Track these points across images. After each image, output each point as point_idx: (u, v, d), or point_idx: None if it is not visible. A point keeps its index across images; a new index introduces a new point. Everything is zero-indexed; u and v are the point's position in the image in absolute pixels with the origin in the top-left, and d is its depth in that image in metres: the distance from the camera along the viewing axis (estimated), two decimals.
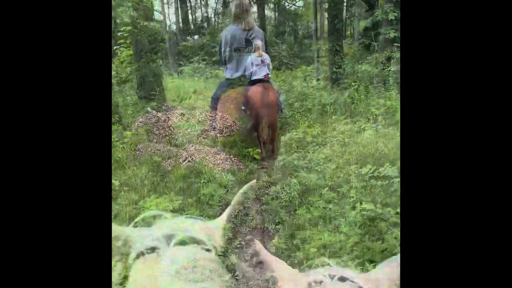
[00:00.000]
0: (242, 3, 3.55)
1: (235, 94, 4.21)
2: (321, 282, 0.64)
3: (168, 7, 20.85)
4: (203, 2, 31.65)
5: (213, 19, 27.06)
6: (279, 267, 0.73)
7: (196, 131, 4.87)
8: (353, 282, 0.66)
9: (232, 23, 3.56)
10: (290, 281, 0.68)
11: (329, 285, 0.63)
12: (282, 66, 16.19)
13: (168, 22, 23.01)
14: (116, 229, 0.75)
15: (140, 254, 0.66)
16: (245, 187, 0.95)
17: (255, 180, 1.56)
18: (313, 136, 4.72)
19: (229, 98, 4.16)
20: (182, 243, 0.64)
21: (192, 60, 14.83)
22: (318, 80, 9.78)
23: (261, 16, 6.55)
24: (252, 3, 4.81)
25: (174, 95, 8.91)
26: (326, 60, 6.80)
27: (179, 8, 20.66)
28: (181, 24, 25.34)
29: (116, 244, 0.73)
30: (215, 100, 4.34)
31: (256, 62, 4.50)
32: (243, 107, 4.63)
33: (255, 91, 4.29)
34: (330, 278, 0.65)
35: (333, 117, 5.61)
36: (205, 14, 31.19)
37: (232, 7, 3.64)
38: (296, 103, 6.57)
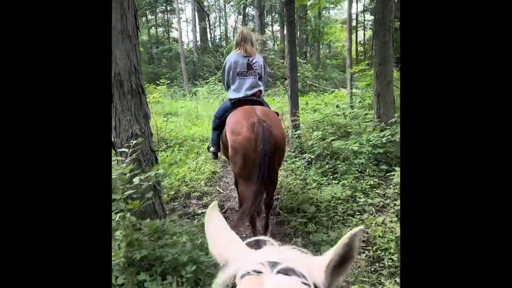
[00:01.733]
0: (242, 32, 3.54)
1: (244, 112, 3.05)
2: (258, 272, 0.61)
3: (187, 24, 19.79)
4: (222, 21, 30.98)
5: (231, 38, 25.96)
6: None
7: None
8: (300, 276, 0.62)
9: (234, 50, 3.57)
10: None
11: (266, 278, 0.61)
12: (305, 87, 14.70)
13: (186, 40, 22.30)
14: (232, 240, 0.72)
15: (246, 274, 0.63)
16: (355, 231, 0.71)
17: (363, 227, 0.77)
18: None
19: (238, 115, 3.04)
20: (285, 272, 0.62)
21: (208, 80, 13.45)
22: (352, 107, 8.13)
23: (291, 33, 5.66)
24: (255, 32, 4.59)
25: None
26: (373, 84, 5.24)
27: (196, 25, 19.54)
28: (198, 42, 24.45)
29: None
30: (217, 119, 3.66)
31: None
32: (211, 148, 3.77)
33: (238, 125, 2.90)
34: (270, 267, 0.62)
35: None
36: (223, 32, 30.47)
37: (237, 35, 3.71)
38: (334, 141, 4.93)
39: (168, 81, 10.33)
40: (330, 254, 0.68)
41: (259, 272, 0.62)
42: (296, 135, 5.56)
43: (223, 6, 29.69)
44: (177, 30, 16.62)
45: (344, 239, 0.67)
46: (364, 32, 23.63)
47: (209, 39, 25.97)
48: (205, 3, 26.89)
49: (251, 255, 0.68)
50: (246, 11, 25.29)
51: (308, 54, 17.72)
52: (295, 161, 5.11)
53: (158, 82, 9.82)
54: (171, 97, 14.53)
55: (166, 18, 25.26)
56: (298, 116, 5.70)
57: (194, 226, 3.05)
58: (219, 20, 29.95)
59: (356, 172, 4.14)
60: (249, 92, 3.41)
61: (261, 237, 0.75)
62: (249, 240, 0.78)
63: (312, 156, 4.57)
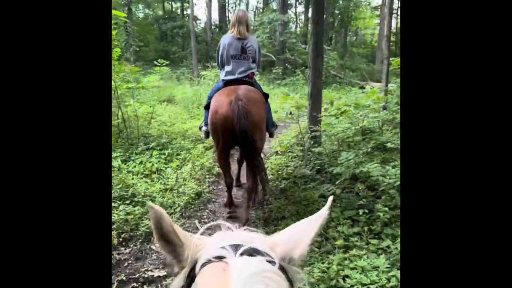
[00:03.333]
0: (237, 14, 3.44)
1: (228, 91, 3.10)
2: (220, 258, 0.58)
3: (205, 1, 17.98)
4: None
5: (252, 17, 24.11)
6: None
7: None
8: (265, 256, 0.60)
9: (229, 31, 3.46)
10: None
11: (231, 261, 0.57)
12: (328, 78, 12.97)
13: (204, 18, 20.39)
14: (184, 235, 0.66)
15: (207, 262, 0.60)
16: (327, 207, 0.74)
17: (332, 197, 0.79)
18: None
19: (221, 94, 3.10)
20: (249, 253, 0.60)
21: (214, 63, 11.87)
22: (384, 109, 6.50)
23: (318, 9, 4.37)
24: (248, 13, 3.62)
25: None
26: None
27: (213, 1, 17.82)
28: (216, 21, 22.74)
29: (185, 250, 0.65)
30: (209, 98, 3.46)
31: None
32: (203, 127, 3.71)
33: (220, 103, 3.03)
34: (232, 251, 0.60)
35: None
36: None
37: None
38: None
39: (168, 62, 8.77)
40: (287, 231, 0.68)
41: (221, 258, 0.59)
42: (314, 153, 4.00)
43: None
44: (189, 4, 14.92)
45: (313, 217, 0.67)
46: (397, 20, 21.41)
47: (227, 18, 24.22)
48: None
49: (209, 242, 0.65)
50: None
51: (333, 41, 15.86)
52: (312, 191, 3.60)
53: (156, 63, 8.35)
54: (177, 79, 13.06)
55: None
56: (320, 126, 4.12)
57: None
58: None
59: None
60: (242, 75, 3.39)
61: (216, 222, 0.72)
62: (203, 228, 0.71)
63: (338, 192, 3.02)
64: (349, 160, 3.06)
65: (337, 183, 3.04)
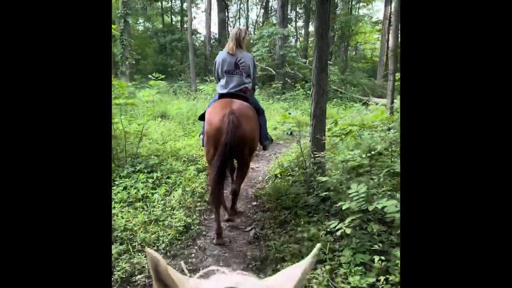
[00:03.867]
0: (232, 31, 3.71)
1: (223, 103, 3.30)
2: None
3: (206, 15, 17.70)
4: (244, 13, 28.99)
5: (252, 32, 23.95)
6: None
7: None
8: None
9: (225, 48, 3.69)
10: None
11: None
12: (329, 93, 12.60)
13: (204, 32, 20.08)
14: (180, 279, 0.67)
15: None
16: (312, 255, 0.77)
17: (319, 244, 0.83)
18: None
19: (216, 106, 3.32)
20: None
21: (212, 77, 11.53)
22: (389, 130, 6.10)
23: (322, 22, 4.04)
24: (246, 32, 3.71)
25: None
26: None
27: (212, 15, 17.63)
28: (216, 35, 22.57)
29: None
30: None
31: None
32: (201, 135, 3.85)
33: (212, 115, 3.24)
34: None
35: None
36: (244, 26, 28.43)
37: None
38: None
39: (164, 75, 8.39)
40: (284, 278, 0.70)
41: None
42: (318, 182, 3.57)
43: None
44: (186, 16, 14.67)
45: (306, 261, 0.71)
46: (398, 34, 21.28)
47: (227, 32, 24.07)
48: None
49: (205, 285, 0.69)
50: (269, 4, 23.31)
51: (333, 55, 15.58)
52: (317, 226, 3.15)
53: (151, 76, 7.97)
54: (174, 93, 12.71)
55: (180, 4, 23.36)
56: (324, 152, 3.69)
57: None
58: (239, 13, 27.96)
59: None
60: (235, 89, 3.56)
61: (211, 268, 0.75)
62: (199, 273, 0.75)
63: (347, 230, 2.58)
64: (360, 194, 2.63)
65: (347, 222, 2.60)
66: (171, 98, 11.25)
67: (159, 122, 7.73)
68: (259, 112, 3.60)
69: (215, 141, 3.09)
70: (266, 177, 5.12)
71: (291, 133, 7.04)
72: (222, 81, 3.61)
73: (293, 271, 0.69)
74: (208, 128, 3.20)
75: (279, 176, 4.89)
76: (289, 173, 4.87)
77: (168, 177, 4.48)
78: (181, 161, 5.19)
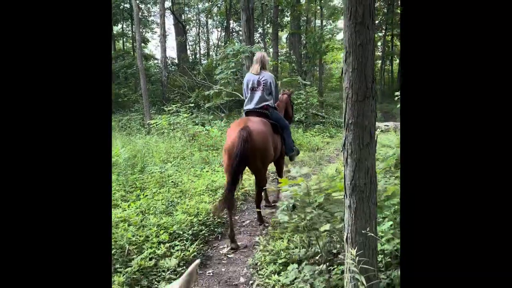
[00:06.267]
0: (255, 56, 4.35)
1: (241, 121, 3.85)
2: None
3: (163, 39, 15.57)
4: (204, 37, 27.27)
5: (213, 55, 22.19)
6: None
7: None
8: None
9: (250, 70, 4.32)
10: None
11: None
12: (309, 118, 10.83)
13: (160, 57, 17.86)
14: None
15: None
16: (190, 270, 0.84)
17: (198, 260, 1.05)
18: None
19: (235, 123, 3.88)
20: None
21: (170, 107, 9.41)
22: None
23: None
24: (265, 56, 4.21)
25: None
26: None
27: (167, 39, 15.66)
28: (175, 59, 20.60)
29: None
30: None
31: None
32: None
33: (230, 131, 3.80)
34: None
35: None
36: (205, 50, 26.64)
37: None
38: None
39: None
40: None
41: None
42: None
43: (205, 22, 26.10)
44: (136, 40, 12.58)
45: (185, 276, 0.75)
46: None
47: (189, 56, 22.14)
48: (183, 17, 23.27)
49: None
50: (230, 25, 21.78)
51: (308, 75, 13.96)
52: None
53: None
54: (123, 129, 10.46)
55: (132, 29, 21.22)
56: None
57: None
58: (198, 37, 26.26)
59: None
60: (258, 106, 4.10)
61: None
62: None
63: None
64: None
65: None
66: (121, 135, 9.01)
67: None
68: (283, 127, 4.22)
69: (229, 153, 3.58)
70: None
71: (293, 208, 3.47)
72: (247, 98, 4.15)
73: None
74: (226, 142, 3.72)
75: None
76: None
77: None
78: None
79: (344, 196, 2.00)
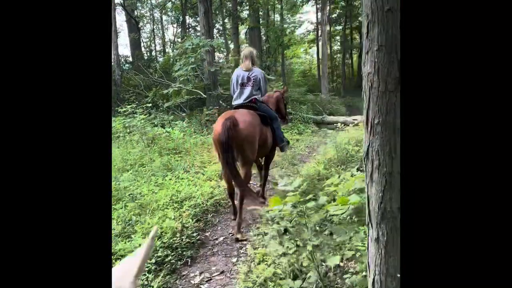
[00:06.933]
0: (243, 51, 4.40)
1: (227, 114, 3.87)
2: None
3: (117, 36, 14.38)
4: (158, 33, 26.00)
5: (170, 52, 21.08)
6: None
7: None
8: None
9: (239, 65, 4.35)
10: None
11: None
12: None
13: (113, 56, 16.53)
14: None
15: None
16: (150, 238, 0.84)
17: (156, 227, 0.91)
18: None
19: (222, 116, 3.86)
20: None
21: (125, 108, 8.52)
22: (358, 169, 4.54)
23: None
24: (254, 52, 4.27)
25: None
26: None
27: (119, 35, 14.50)
28: (129, 58, 19.36)
29: None
30: None
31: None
32: None
33: (216, 123, 3.81)
34: None
35: None
36: (161, 47, 25.40)
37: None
38: None
39: None
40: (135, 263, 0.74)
41: None
42: None
43: (159, 18, 24.85)
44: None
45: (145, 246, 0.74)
46: (330, 45, 20.05)
47: (144, 53, 20.89)
48: (136, 13, 21.92)
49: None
50: (187, 21, 20.83)
51: (270, 70, 13.41)
52: None
53: None
54: None
55: None
56: None
57: None
58: (153, 33, 25.00)
59: None
60: (246, 101, 4.14)
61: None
62: None
63: None
64: None
65: None
66: None
67: None
68: (271, 118, 4.28)
69: (215, 144, 3.73)
70: None
71: (284, 232, 2.29)
72: (236, 93, 4.21)
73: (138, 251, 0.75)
74: (213, 135, 3.79)
75: None
76: None
77: None
78: None
79: (367, 224, 1.46)
